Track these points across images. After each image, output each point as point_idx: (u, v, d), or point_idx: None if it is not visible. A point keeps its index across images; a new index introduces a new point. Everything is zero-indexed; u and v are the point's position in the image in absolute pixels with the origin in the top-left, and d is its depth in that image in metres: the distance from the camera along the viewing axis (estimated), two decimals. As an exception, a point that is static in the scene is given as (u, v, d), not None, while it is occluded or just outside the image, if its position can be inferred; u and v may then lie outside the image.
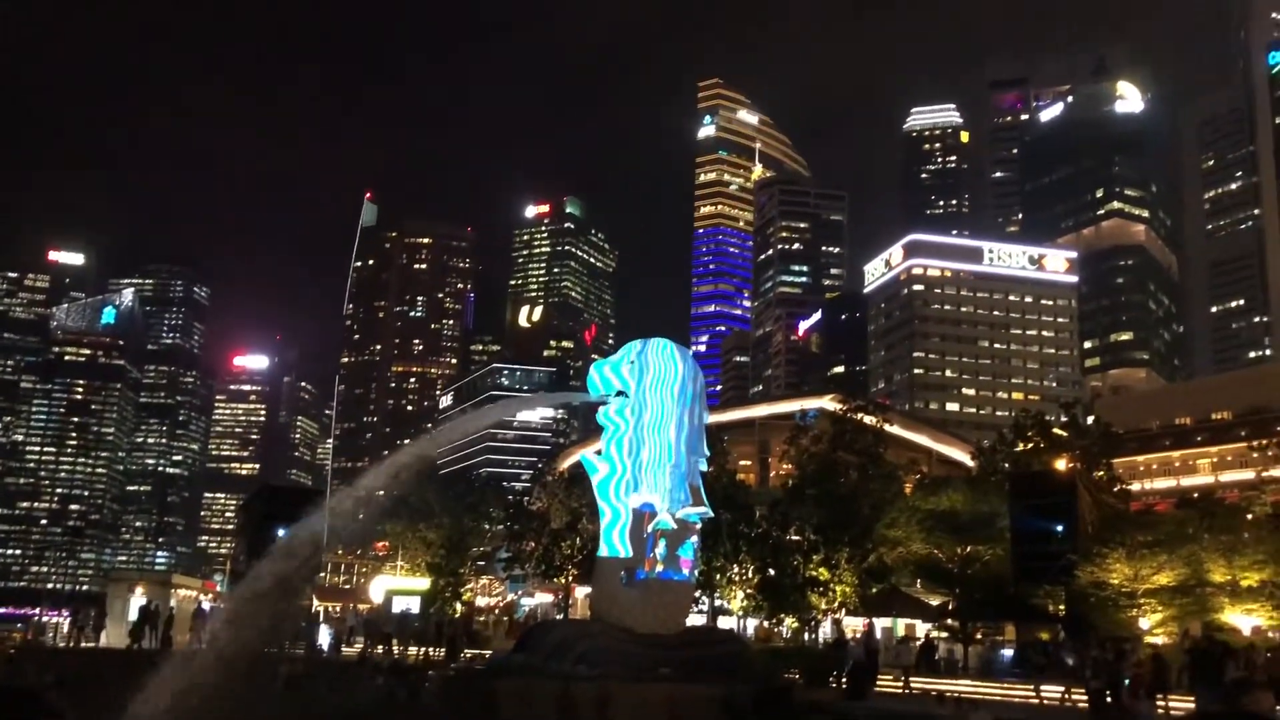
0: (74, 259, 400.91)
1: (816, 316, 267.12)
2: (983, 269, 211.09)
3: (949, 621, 52.65)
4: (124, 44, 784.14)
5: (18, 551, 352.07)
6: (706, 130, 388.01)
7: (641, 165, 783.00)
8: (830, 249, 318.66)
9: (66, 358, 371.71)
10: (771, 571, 57.58)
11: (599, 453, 34.56)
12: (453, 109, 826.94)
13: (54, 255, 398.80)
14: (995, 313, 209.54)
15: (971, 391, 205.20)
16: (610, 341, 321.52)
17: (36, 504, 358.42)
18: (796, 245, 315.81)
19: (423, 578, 70.35)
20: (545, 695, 27.17)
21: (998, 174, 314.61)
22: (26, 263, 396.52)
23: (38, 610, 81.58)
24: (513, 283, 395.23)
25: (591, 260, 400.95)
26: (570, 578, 68.00)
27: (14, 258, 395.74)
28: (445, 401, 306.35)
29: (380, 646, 48.39)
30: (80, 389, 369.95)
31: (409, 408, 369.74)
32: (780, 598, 56.45)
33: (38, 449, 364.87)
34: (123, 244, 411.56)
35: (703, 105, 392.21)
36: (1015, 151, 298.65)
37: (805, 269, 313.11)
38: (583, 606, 67.88)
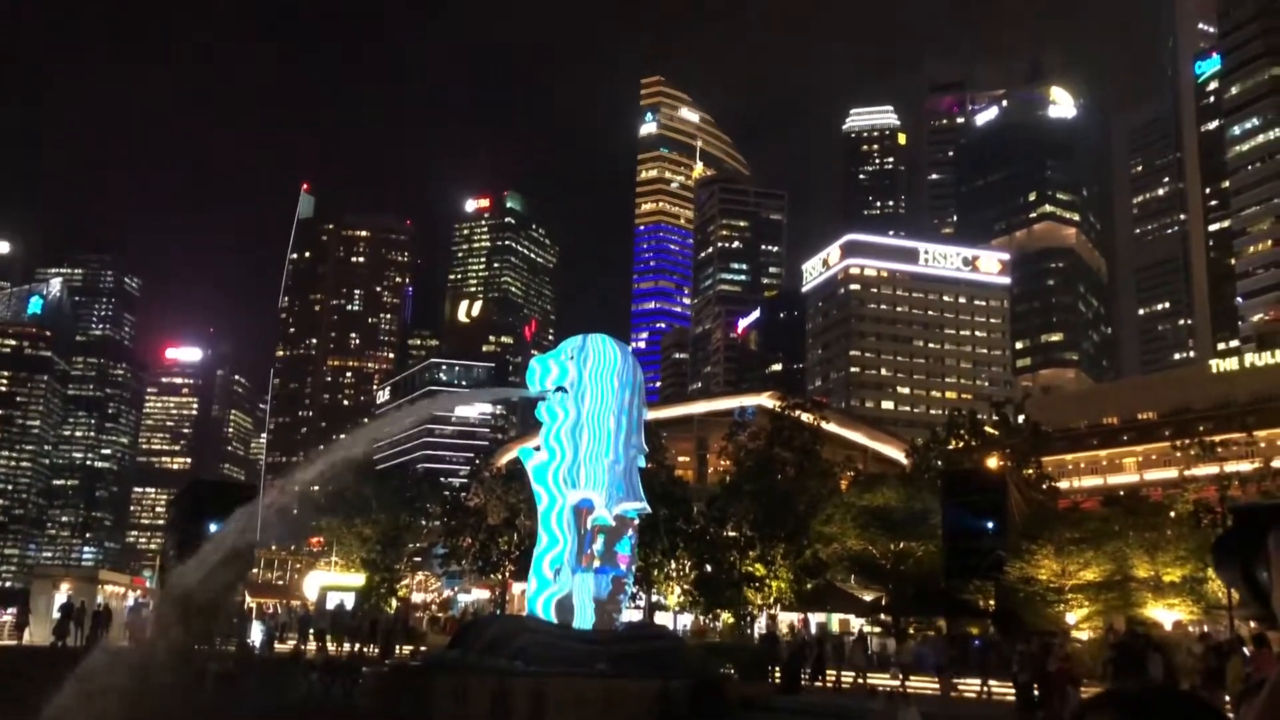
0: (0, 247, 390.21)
1: (755, 315, 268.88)
2: (918, 269, 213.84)
3: (882, 616, 53.42)
4: (52, 19, 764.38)
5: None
6: (648, 127, 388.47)
7: (583, 161, 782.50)
8: (769, 248, 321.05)
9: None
10: (708, 567, 58.00)
11: (538, 448, 34.53)
12: (391, 99, 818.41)
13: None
14: (930, 313, 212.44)
15: (906, 390, 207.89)
16: (550, 337, 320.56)
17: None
18: (736, 244, 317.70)
19: (358, 573, 69.70)
20: (480, 691, 27.12)
21: (934, 176, 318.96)
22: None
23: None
24: (452, 277, 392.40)
25: (532, 256, 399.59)
26: (507, 574, 67.82)
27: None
28: (382, 396, 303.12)
29: (314, 643, 47.85)
30: (4, 380, 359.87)
31: (345, 402, 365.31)
32: (716, 593, 56.87)
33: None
34: (51, 232, 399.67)
35: (645, 102, 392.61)
36: (951, 154, 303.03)
37: (745, 267, 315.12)
38: (519, 603, 67.76)
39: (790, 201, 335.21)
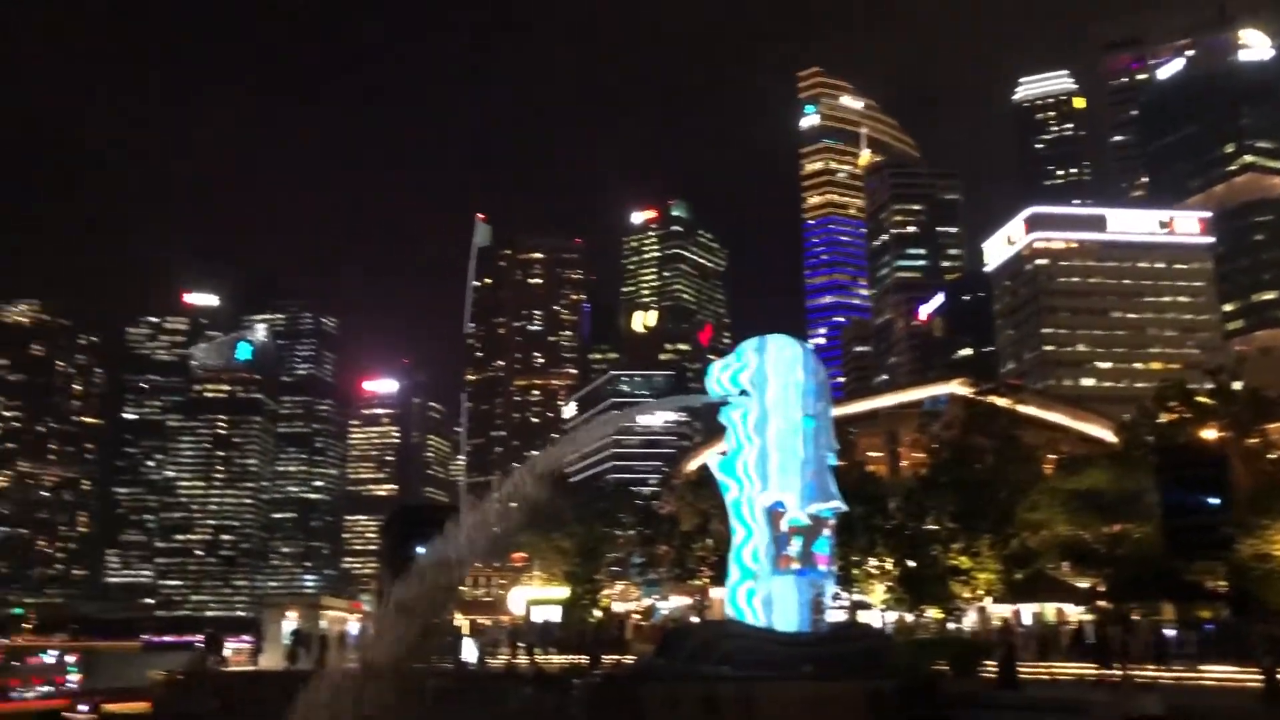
0: (208, 300, 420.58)
1: (938, 300, 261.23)
2: (1109, 237, 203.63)
3: (1100, 604, 50.78)
4: (226, 94, 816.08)
5: (178, 582, 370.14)
6: (809, 120, 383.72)
7: (744, 162, 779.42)
8: (947, 229, 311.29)
9: (208, 394, 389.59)
10: (910, 563, 56.43)
11: (724, 453, 34.44)
12: (552, 122, 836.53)
13: (189, 298, 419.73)
14: (1125, 281, 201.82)
15: (1107, 365, 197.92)
16: (726, 341, 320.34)
17: (191, 536, 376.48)
18: (911, 228, 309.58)
19: (560, 586, 71.11)
20: (690, 698, 27.17)
21: (1118, 137, 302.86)
22: (164, 307, 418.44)
23: (199, 637, 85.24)
24: (625, 290, 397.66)
25: (702, 261, 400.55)
26: (706, 580, 67.87)
27: (153, 304, 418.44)
28: (568, 411, 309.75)
29: (524, 657, 49.04)
30: (223, 424, 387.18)
31: (534, 420, 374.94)
32: (921, 589, 55.27)
33: (188, 483, 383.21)
34: (252, 282, 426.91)
35: (804, 95, 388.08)
36: (1135, 113, 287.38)
37: (922, 252, 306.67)
38: (720, 608, 67.71)
39: (965, 179, 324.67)
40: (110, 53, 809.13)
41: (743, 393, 32.98)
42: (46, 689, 51.47)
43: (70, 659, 62.15)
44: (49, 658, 68.20)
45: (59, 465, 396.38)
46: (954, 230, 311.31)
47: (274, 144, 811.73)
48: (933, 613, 55.95)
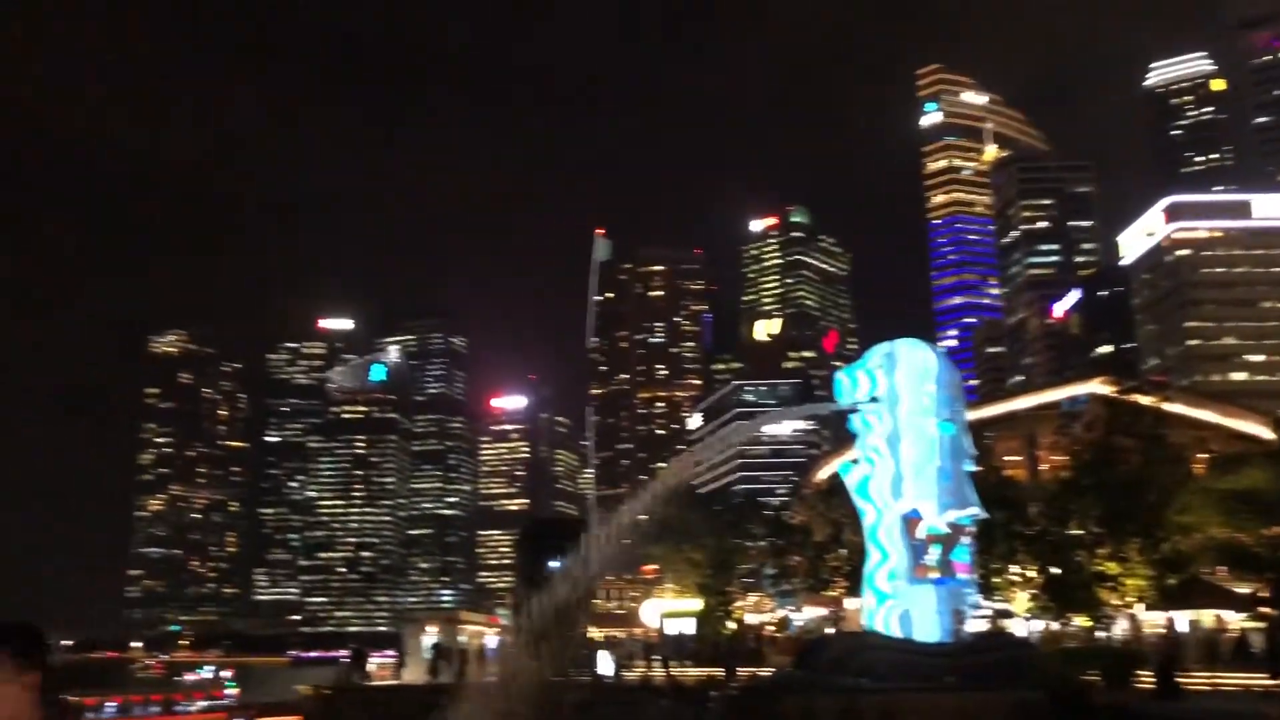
0: (342, 324, 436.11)
1: (1073, 296, 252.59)
2: (1255, 224, 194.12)
3: (1264, 610, 48.11)
4: (345, 119, 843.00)
5: (323, 599, 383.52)
6: (931, 118, 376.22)
7: (864, 164, 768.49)
8: (1080, 223, 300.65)
9: (345, 416, 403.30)
10: (1055, 569, 54.50)
11: (855, 461, 33.85)
12: (669, 133, 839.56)
13: (324, 323, 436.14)
14: (1275, 270, 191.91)
15: (1259, 358, 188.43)
16: (852, 347, 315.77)
17: (333, 553, 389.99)
18: (1042, 224, 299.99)
19: (693, 599, 70.99)
20: (829, 710, 26.74)
21: (1260, 119, 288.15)
22: (302, 333, 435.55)
23: (345, 652, 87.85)
24: (746, 298, 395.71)
25: (824, 267, 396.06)
26: (840, 590, 66.85)
27: (291, 330, 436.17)
28: (694, 423, 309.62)
29: (660, 669, 49.05)
30: (360, 443, 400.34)
31: (659, 432, 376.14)
32: (1067, 596, 53.31)
33: (329, 502, 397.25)
34: (385, 305, 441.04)
35: (924, 93, 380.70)
36: (1277, 93, 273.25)
37: (1055, 247, 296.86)
38: (855, 619, 66.62)
39: (1097, 171, 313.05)
40: (244, 91, 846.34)
41: (873, 399, 32.34)
42: (207, 703, 53.93)
43: (225, 674, 64.96)
44: (206, 673, 71.38)
45: (208, 488, 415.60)
46: (1087, 224, 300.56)
47: (398, 168, 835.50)
48: (1080, 621, 53.92)
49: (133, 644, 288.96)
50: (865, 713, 26.25)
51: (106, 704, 49.71)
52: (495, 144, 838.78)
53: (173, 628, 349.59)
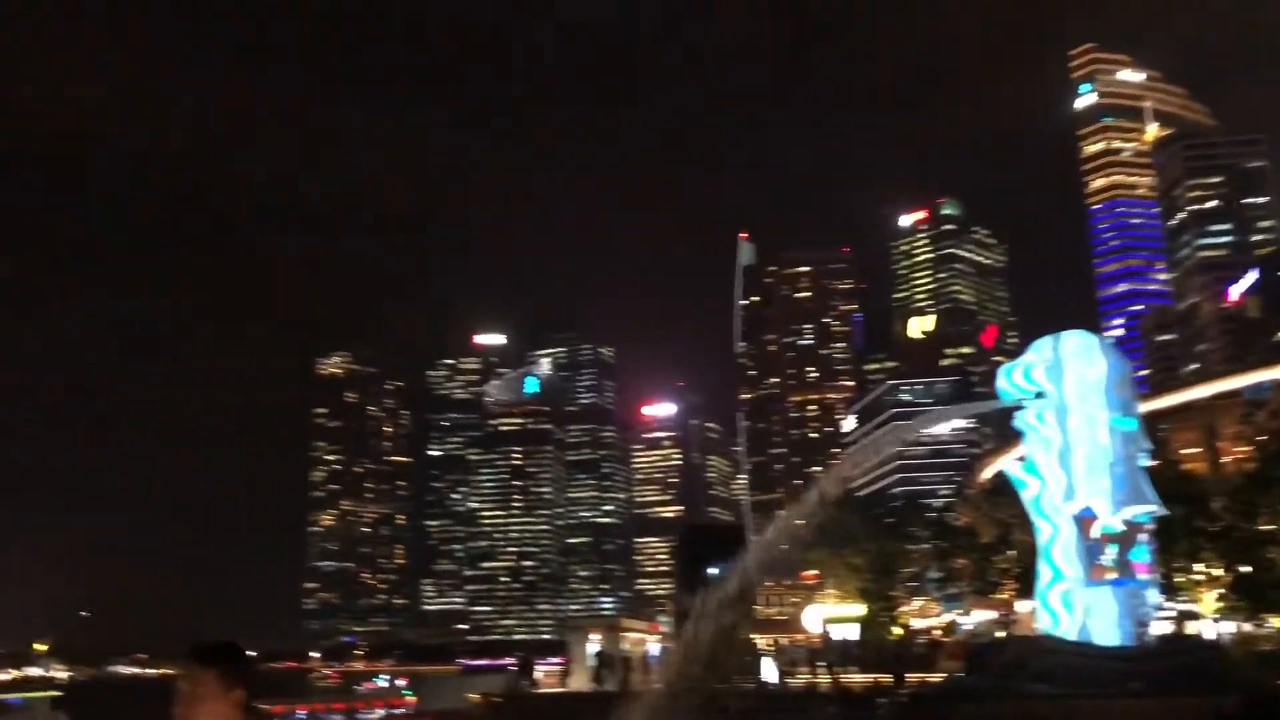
0: (496, 340, 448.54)
1: (1250, 277, 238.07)
2: None
3: None
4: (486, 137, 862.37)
5: (487, 608, 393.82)
6: (1085, 99, 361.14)
7: (1017, 151, 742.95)
8: (1253, 200, 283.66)
9: (502, 428, 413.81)
10: (1244, 567, 51.40)
11: (1021, 459, 32.74)
12: (807, 131, 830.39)
13: (479, 339, 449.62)
14: None
15: None
16: (1012, 341, 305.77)
17: (495, 563, 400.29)
18: (1212, 203, 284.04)
19: (855, 603, 69.92)
20: (1006, 717, 25.88)
21: None
22: (458, 349, 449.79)
23: (512, 660, 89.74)
24: (898, 296, 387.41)
25: (978, 259, 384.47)
26: (1010, 593, 64.68)
27: (448, 347, 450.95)
28: (848, 425, 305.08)
29: (825, 675, 48.43)
30: (517, 455, 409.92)
31: (812, 435, 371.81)
32: (1260, 595, 50.21)
33: (490, 513, 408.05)
34: (534, 319, 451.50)
35: (1078, 74, 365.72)
36: None
37: (1227, 227, 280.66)
38: (1028, 622, 64.31)
39: (1272, 145, 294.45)
40: (392, 110, 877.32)
41: (1039, 395, 31.22)
42: (386, 710, 56.03)
43: (400, 682, 67.39)
44: (382, 681, 74.17)
45: (376, 502, 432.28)
46: (1262, 200, 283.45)
47: (541, 182, 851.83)
48: (1277, 622, 50.74)
49: (311, 654, 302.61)
50: (1043, 719, 25.32)
51: (298, 712, 52.29)
52: (633, 151, 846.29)
53: (347, 638, 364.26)
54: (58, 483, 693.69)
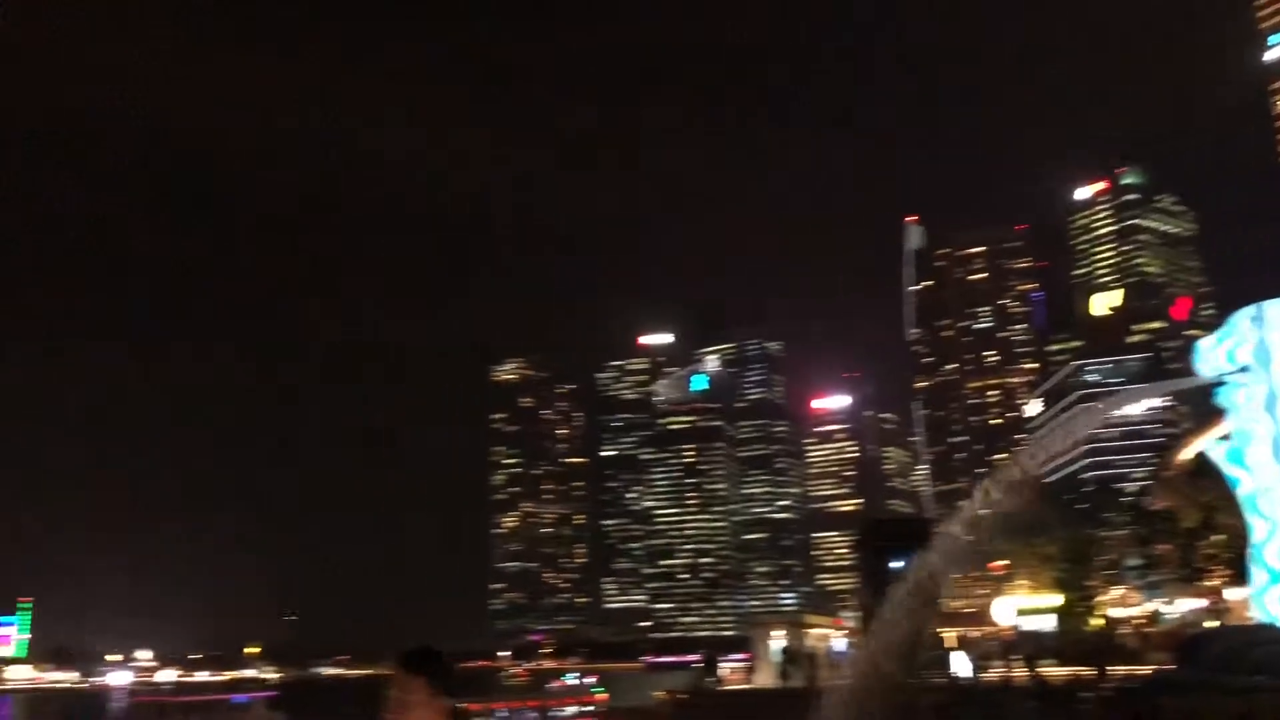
0: (662, 339, 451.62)
1: None
2: None
3: None
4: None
5: (668, 605, 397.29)
6: (1275, 52, 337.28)
7: (1201, 111, 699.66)
8: None
9: (673, 427, 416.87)
10: None
11: (1225, 438, 30.73)
12: (978, 103, 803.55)
13: (644, 339, 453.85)
14: None
15: None
16: (1207, 313, 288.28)
17: (673, 561, 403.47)
18: None
19: (1048, 594, 67.25)
20: (1223, 712, 24.30)
21: None
22: (626, 351, 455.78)
23: (696, 657, 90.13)
24: (1078, 272, 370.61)
25: (1165, 229, 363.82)
26: (1220, 580, 60.96)
27: (615, 349, 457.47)
28: (1032, 409, 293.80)
29: (1021, 669, 46.80)
30: (689, 452, 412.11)
31: (994, 422, 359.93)
32: None
33: (665, 511, 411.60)
34: (699, 317, 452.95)
35: (1265, 25, 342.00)
36: None
37: None
38: (1240, 611, 60.38)
39: None
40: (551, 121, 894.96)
41: (1242, 369, 29.26)
42: (578, 709, 57.27)
43: (589, 680, 68.65)
44: (571, 679, 75.81)
45: (555, 503, 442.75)
46: None
47: (700, 179, 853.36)
48: None
49: (500, 653, 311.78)
50: (1263, 715, 23.65)
51: (497, 711, 54.16)
52: (791, 141, 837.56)
53: (533, 636, 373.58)
54: (261, 497, 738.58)
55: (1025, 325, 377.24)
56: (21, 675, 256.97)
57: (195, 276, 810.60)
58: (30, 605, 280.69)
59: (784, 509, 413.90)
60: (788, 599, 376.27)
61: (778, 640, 59.26)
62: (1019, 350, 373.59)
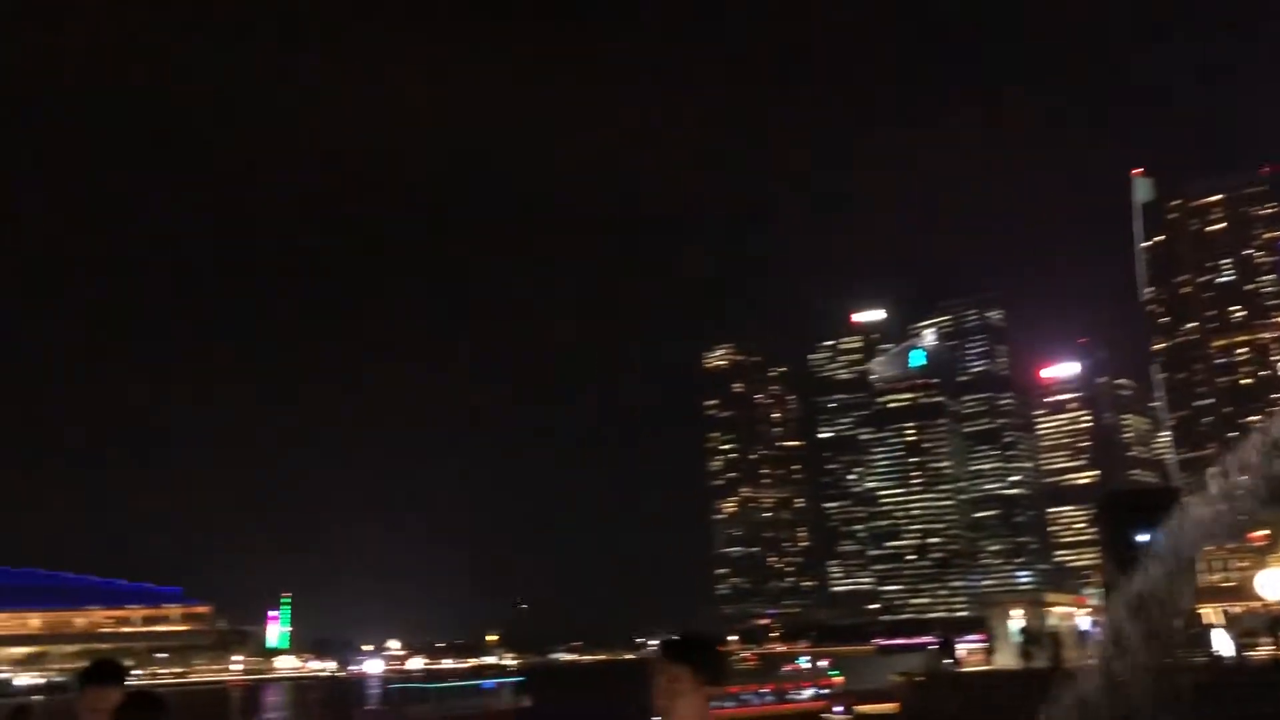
0: (875, 316, 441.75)
1: None
2: None
3: None
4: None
5: (896, 587, 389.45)
6: None
7: None
8: None
9: (891, 405, 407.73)
10: None
11: None
12: (1200, 48, 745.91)
13: (856, 317, 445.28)
14: None
15: None
16: None
17: (900, 542, 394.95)
18: None
19: (1319, 565, 61.72)
20: None
21: None
22: (836, 330, 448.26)
23: (930, 639, 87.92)
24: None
25: None
26: None
27: (826, 328, 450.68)
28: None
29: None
30: (910, 430, 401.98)
31: (1245, 381, 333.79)
32: None
33: (888, 492, 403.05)
34: (912, 291, 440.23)
35: None
36: None
37: None
38: None
39: None
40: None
41: None
42: (814, 691, 56.95)
43: (823, 663, 68.10)
44: (804, 663, 75.46)
45: (773, 488, 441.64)
46: None
47: (911, 152, 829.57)
48: None
49: (729, 638, 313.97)
50: None
51: (742, 694, 54.58)
52: (1006, 100, 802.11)
53: (761, 622, 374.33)
54: (495, 492, 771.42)
55: (1274, 276, 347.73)
56: (287, 665, 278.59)
57: (444, 289, 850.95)
58: (289, 600, 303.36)
59: (1015, 484, 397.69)
60: (1024, 577, 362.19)
61: (1016, 620, 57.03)
62: (1268, 304, 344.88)
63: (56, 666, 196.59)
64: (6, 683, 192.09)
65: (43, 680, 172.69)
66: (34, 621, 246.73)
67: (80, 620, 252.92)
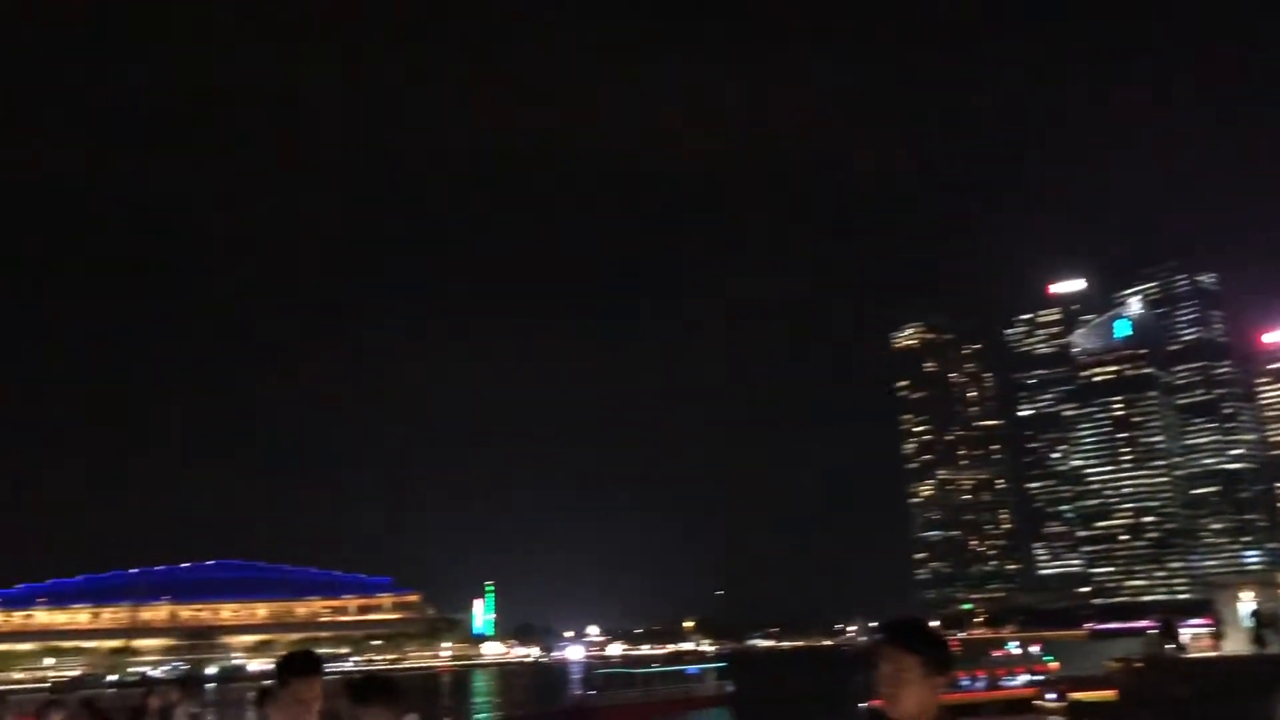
0: (1074, 285, 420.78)
1: None
2: None
3: None
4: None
5: (1108, 569, 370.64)
6: None
7: None
8: None
9: (1096, 379, 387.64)
10: None
11: None
12: None
13: (1054, 288, 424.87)
14: None
15: None
16: None
17: (1111, 522, 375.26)
18: None
19: None
20: None
21: None
22: (1033, 303, 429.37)
23: (1149, 622, 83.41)
24: None
25: None
26: None
27: (1022, 301, 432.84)
28: None
29: None
30: (1117, 405, 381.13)
31: None
32: None
33: (1096, 470, 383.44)
34: (1114, 257, 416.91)
35: None
36: None
37: None
38: None
39: None
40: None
41: None
42: (1026, 678, 54.96)
43: (1035, 648, 65.62)
44: (1013, 648, 72.91)
45: (972, 469, 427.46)
46: None
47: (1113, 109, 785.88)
48: None
49: (931, 624, 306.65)
50: None
51: (959, 679, 53.37)
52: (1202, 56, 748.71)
53: (965, 606, 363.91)
54: (690, 481, 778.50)
55: None
56: (493, 650, 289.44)
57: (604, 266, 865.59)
58: (493, 588, 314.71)
59: (1237, 458, 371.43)
60: (1252, 557, 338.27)
61: (1246, 603, 53.36)
62: None
63: (282, 653, 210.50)
64: (240, 668, 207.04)
65: (271, 666, 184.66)
66: (261, 611, 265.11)
67: (302, 610, 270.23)
